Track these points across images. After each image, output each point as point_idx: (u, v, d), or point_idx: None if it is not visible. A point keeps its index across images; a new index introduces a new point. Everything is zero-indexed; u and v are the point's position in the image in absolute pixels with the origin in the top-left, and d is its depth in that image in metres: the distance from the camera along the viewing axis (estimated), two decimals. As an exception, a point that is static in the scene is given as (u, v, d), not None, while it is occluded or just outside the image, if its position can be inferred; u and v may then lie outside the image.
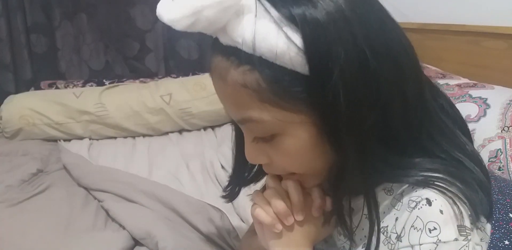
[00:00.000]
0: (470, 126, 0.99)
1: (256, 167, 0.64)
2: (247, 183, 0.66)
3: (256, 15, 0.43)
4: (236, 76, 0.45)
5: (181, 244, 0.92)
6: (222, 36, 0.45)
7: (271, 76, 0.44)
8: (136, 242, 0.98)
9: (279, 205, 0.53)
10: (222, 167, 1.34)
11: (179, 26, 0.43)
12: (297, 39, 0.42)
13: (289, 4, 0.42)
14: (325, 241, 0.64)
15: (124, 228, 1.01)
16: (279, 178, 0.57)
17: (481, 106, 1.02)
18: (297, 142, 0.47)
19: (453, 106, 0.54)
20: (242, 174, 0.65)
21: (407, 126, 0.46)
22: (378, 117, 0.44)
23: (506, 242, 0.66)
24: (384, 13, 0.47)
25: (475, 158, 0.49)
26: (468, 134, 0.53)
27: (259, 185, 0.65)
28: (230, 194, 0.68)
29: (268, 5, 0.43)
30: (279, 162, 0.51)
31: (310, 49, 0.42)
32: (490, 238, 0.64)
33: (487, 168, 0.50)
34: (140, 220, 1.01)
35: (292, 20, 0.42)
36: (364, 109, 0.44)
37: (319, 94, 0.43)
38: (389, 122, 0.45)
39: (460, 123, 0.53)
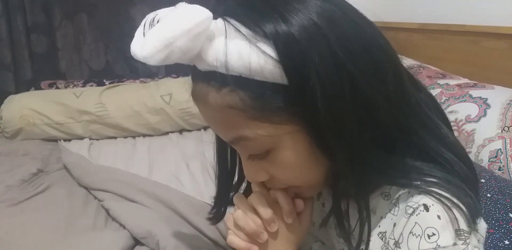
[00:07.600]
0: (470, 126, 1.00)
1: (245, 185, 0.63)
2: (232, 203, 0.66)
3: (226, 37, 0.43)
4: (220, 99, 0.45)
5: (182, 243, 0.92)
6: (199, 63, 0.45)
7: (253, 93, 0.44)
8: (137, 242, 0.98)
9: (247, 226, 0.53)
10: (222, 167, 1.34)
11: (153, 61, 0.42)
12: (272, 51, 0.42)
13: (258, 19, 0.43)
14: (322, 243, 0.63)
15: (124, 228, 1.01)
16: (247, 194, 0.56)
17: (481, 106, 1.02)
18: (292, 153, 0.47)
19: (432, 98, 0.54)
20: (227, 194, 0.64)
21: (395, 122, 0.46)
22: (364, 117, 0.45)
23: (506, 242, 0.66)
24: (355, 13, 0.47)
25: (459, 150, 0.49)
26: (447, 123, 0.53)
27: None
28: (216, 215, 0.67)
29: (238, 24, 0.43)
30: (278, 176, 0.51)
31: (284, 58, 0.42)
32: (490, 238, 0.64)
33: (471, 159, 0.50)
34: (140, 219, 1.01)
35: (263, 34, 0.42)
36: (346, 111, 0.44)
37: (300, 101, 0.44)
38: (377, 120, 0.45)
39: (439, 114, 0.52)
